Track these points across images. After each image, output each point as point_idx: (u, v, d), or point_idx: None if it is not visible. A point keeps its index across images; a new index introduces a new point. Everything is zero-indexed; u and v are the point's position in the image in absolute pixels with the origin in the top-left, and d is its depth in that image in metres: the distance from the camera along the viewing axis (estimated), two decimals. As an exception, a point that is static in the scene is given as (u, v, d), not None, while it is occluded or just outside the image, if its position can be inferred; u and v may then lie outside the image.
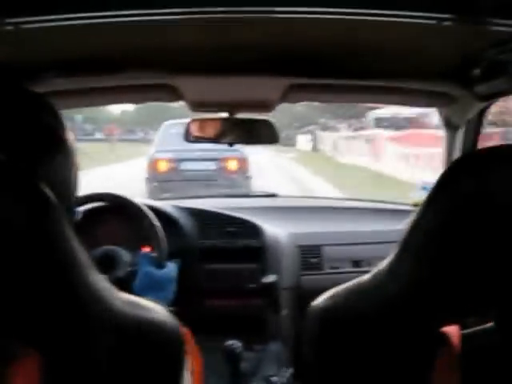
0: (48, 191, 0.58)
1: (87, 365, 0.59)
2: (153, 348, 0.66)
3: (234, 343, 1.71)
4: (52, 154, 0.67)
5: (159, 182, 8.13)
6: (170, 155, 8.35)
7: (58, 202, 0.59)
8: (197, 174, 8.29)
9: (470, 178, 0.58)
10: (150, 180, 8.39)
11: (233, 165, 8.59)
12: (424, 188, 2.29)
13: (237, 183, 8.19)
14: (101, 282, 0.62)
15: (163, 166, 8.48)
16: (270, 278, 1.83)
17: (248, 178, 8.64)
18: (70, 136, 0.72)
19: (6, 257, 0.54)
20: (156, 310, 0.69)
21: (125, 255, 1.69)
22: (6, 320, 0.56)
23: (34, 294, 0.56)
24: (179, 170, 8.40)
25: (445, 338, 0.60)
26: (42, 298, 0.56)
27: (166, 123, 8.91)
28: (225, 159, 8.50)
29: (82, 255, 0.60)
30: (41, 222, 0.56)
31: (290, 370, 1.77)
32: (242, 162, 8.63)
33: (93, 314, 0.60)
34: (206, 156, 8.23)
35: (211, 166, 8.49)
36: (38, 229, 0.56)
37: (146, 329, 0.66)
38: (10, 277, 0.55)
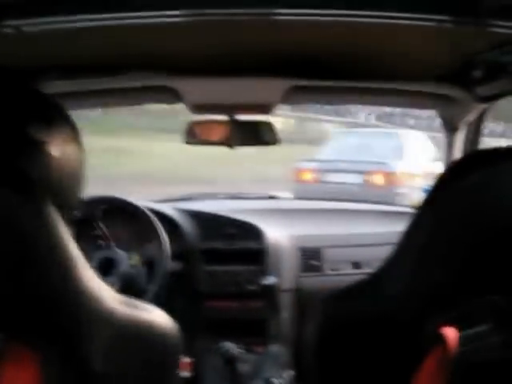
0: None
1: (82, 366, 0.59)
2: (148, 350, 0.66)
3: (228, 344, 1.70)
4: (25, 154, 0.65)
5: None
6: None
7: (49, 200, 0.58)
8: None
9: (470, 178, 0.58)
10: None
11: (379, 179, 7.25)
12: (424, 189, 2.28)
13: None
14: (98, 283, 0.62)
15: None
16: (270, 280, 1.83)
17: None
18: (50, 138, 0.70)
19: None
20: (152, 311, 0.69)
21: (125, 258, 1.70)
22: None
23: (26, 290, 0.55)
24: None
25: (441, 337, 0.60)
26: (34, 296, 0.56)
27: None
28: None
29: (78, 254, 0.60)
30: (32, 215, 0.56)
31: (291, 372, 1.76)
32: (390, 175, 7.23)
33: (89, 315, 0.59)
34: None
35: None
36: (24, 222, 0.55)
37: (142, 331, 0.66)
38: (2, 272, 0.54)
